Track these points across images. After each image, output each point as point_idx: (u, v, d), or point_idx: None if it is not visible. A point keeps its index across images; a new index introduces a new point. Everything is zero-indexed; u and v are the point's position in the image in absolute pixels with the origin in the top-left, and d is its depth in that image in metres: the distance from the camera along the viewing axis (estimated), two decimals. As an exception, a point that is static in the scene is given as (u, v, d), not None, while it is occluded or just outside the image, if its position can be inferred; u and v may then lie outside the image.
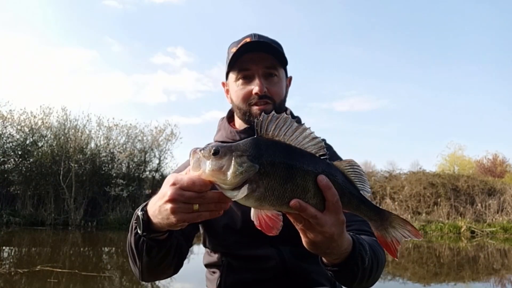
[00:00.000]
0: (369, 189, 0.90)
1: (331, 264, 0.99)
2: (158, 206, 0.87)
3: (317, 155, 0.84)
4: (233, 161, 0.76)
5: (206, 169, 0.76)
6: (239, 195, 0.76)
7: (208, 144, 0.80)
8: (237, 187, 0.76)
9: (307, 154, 0.83)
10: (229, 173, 0.75)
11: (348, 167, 0.89)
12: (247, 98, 1.33)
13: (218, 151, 0.76)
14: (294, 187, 0.80)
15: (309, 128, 0.84)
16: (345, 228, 0.89)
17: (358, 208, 0.89)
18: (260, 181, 0.77)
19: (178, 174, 0.82)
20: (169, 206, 0.82)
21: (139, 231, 0.99)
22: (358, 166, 0.89)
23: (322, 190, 0.81)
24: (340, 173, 0.88)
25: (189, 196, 0.79)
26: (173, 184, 0.80)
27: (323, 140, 0.86)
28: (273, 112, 0.82)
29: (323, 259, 1.00)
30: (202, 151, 0.78)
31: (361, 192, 0.90)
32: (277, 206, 0.80)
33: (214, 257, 1.37)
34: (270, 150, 0.79)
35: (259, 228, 0.81)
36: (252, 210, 0.82)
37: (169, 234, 1.02)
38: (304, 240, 0.90)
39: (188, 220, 0.83)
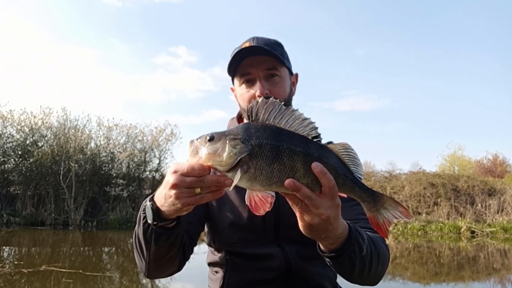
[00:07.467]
0: (363, 172, 0.92)
1: (328, 250, 1.00)
2: (164, 194, 0.91)
3: (310, 137, 0.87)
4: (227, 144, 0.82)
5: (203, 154, 0.83)
6: (236, 176, 0.81)
7: (203, 134, 0.85)
8: (231, 169, 0.82)
9: (297, 135, 0.86)
10: (224, 154, 0.81)
11: (342, 150, 0.91)
12: (251, 101, 1.36)
13: (213, 137, 0.83)
14: (281, 167, 0.83)
15: (297, 110, 0.87)
16: (340, 211, 0.91)
17: (352, 190, 0.91)
18: (250, 162, 0.82)
19: (178, 162, 0.88)
20: (173, 192, 0.87)
21: (148, 221, 1.02)
22: (352, 149, 0.91)
23: (318, 177, 0.84)
24: (334, 155, 0.90)
25: (190, 181, 0.84)
26: (175, 171, 0.85)
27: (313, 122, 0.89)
28: (261, 97, 0.87)
29: (321, 246, 1.02)
30: (198, 140, 0.85)
31: (354, 174, 0.91)
32: (267, 186, 0.84)
33: (218, 256, 1.39)
34: (259, 132, 0.84)
35: (249, 208, 0.85)
36: (247, 191, 0.86)
37: (177, 222, 1.05)
38: (301, 224, 0.92)
39: (192, 203, 0.88)
